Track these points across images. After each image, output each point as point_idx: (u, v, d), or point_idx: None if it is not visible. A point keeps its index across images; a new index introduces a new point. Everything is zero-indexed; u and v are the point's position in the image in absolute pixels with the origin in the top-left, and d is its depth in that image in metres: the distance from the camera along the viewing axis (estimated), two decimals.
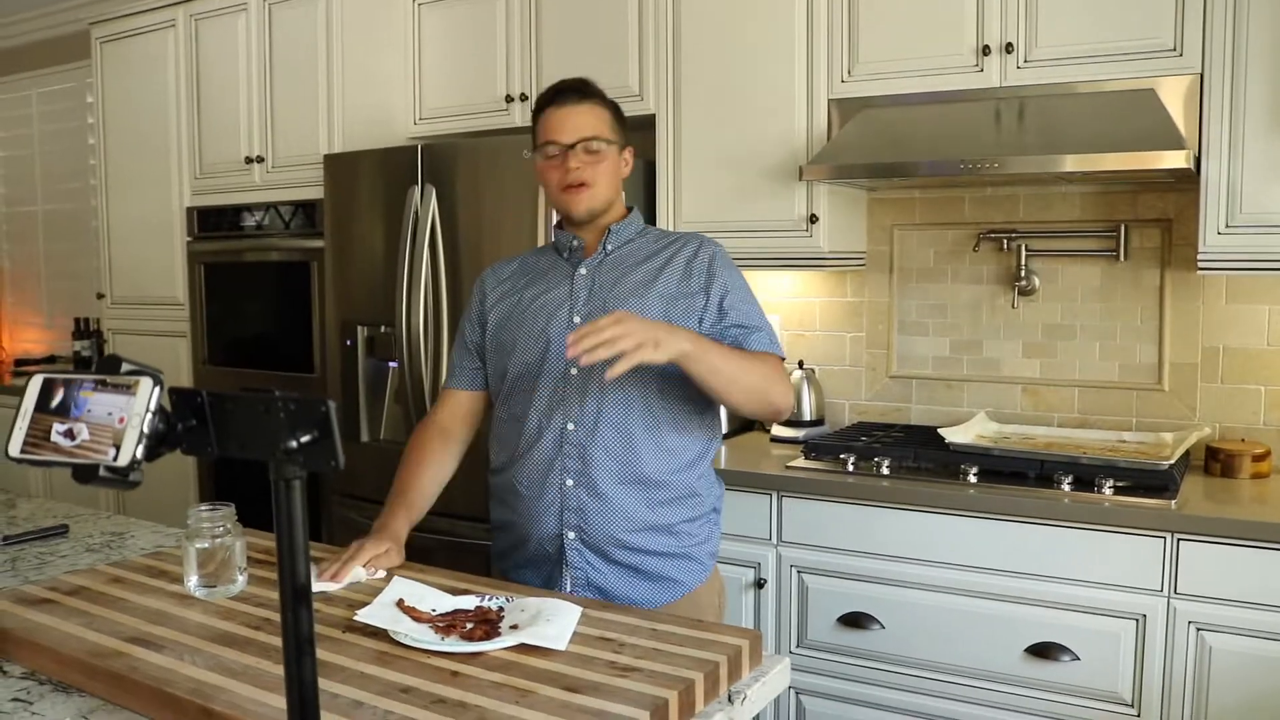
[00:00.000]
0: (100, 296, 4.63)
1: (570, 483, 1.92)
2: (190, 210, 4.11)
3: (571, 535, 1.92)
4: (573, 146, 1.95)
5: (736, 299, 1.96)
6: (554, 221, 2.15)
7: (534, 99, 3.42)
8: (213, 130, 4.07)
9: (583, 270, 2.00)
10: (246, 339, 4.03)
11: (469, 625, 1.47)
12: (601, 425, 1.90)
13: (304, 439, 0.75)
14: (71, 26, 5.34)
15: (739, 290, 1.98)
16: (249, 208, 3.93)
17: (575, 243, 2.03)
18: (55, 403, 0.84)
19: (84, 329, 5.15)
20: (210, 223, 4.06)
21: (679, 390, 1.92)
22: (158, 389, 0.80)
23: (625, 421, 1.91)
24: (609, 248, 2.02)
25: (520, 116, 3.50)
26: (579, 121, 1.96)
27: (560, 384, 1.94)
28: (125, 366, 0.81)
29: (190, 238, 4.12)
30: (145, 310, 4.38)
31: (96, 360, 4.76)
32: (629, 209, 2.09)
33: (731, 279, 1.98)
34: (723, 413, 2.32)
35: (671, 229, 3.14)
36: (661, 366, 1.78)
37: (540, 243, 3.03)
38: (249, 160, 3.92)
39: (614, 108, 2.04)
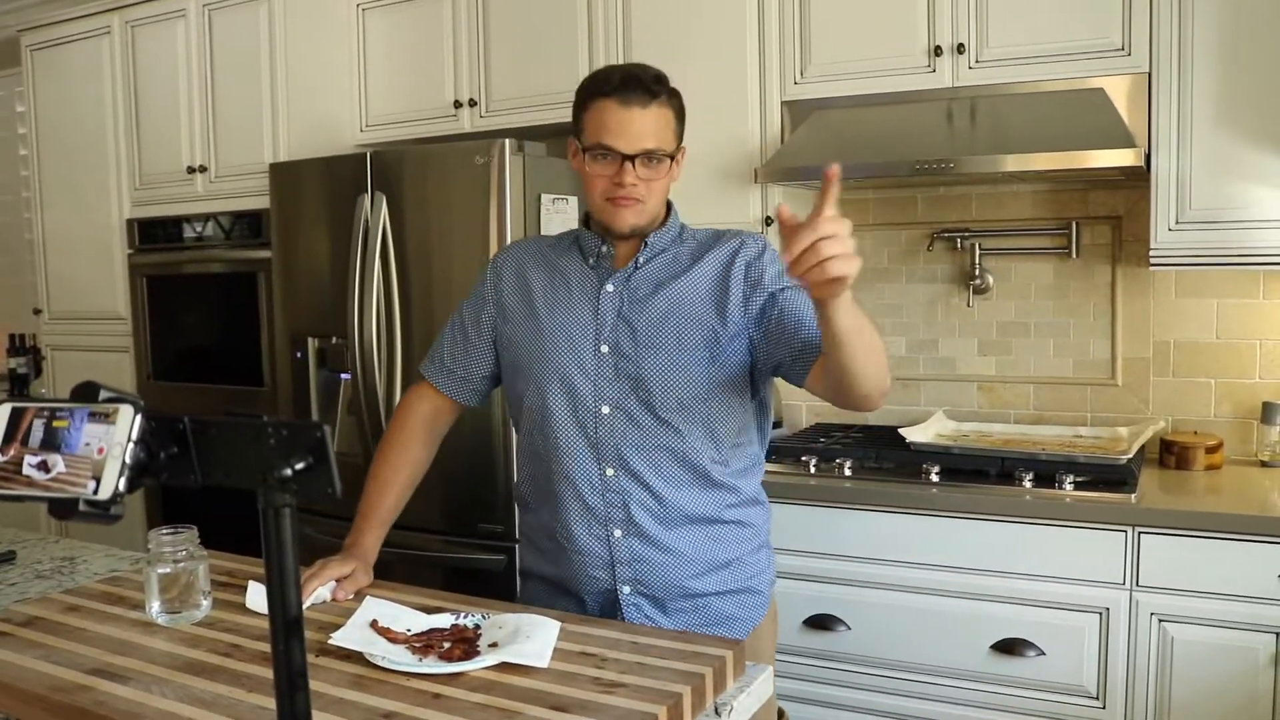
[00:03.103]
0: (37, 312, 4.50)
1: (619, 533, 1.73)
2: (130, 222, 4.01)
3: (627, 590, 1.73)
4: (633, 158, 1.67)
5: (789, 296, 1.67)
6: (580, 216, 1.88)
7: (484, 103, 3.43)
8: (152, 140, 3.98)
9: (610, 287, 1.75)
10: (193, 353, 3.94)
11: (446, 645, 1.44)
12: (647, 466, 1.71)
13: (298, 466, 0.72)
14: None
15: (788, 285, 1.69)
16: (191, 219, 3.84)
17: (605, 249, 1.77)
18: (25, 432, 0.80)
19: (19, 345, 5.00)
20: (151, 234, 3.96)
21: (730, 411, 1.74)
22: (139, 417, 0.76)
23: (673, 458, 1.71)
24: (641, 261, 1.76)
25: (469, 122, 3.46)
26: (645, 128, 1.67)
27: (592, 426, 1.73)
28: (103, 393, 0.77)
29: (131, 250, 4.02)
30: (85, 325, 4.26)
31: (43, 382, 4.60)
32: (668, 207, 1.82)
33: (776, 277, 1.70)
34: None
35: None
36: (717, 382, 1.69)
37: (493, 250, 2.98)
38: (191, 170, 3.83)
39: (679, 104, 1.76)
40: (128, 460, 0.75)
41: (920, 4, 2.78)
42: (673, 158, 1.74)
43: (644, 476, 1.71)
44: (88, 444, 0.77)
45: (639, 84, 1.68)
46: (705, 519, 1.74)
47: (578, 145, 1.75)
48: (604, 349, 1.73)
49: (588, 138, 1.71)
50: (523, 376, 1.81)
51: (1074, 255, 2.98)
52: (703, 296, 1.72)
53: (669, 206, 1.82)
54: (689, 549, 1.73)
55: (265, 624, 0.98)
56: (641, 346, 1.71)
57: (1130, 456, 2.55)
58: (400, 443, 1.90)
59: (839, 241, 1.28)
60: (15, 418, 0.81)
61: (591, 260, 1.78)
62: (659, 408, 1.70)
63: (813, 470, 2.75)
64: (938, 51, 2.76)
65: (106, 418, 0.77)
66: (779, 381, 1.76)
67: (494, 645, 1.42)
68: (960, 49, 2.73)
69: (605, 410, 1.72)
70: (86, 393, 0.78)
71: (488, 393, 1.94)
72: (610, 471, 1.73)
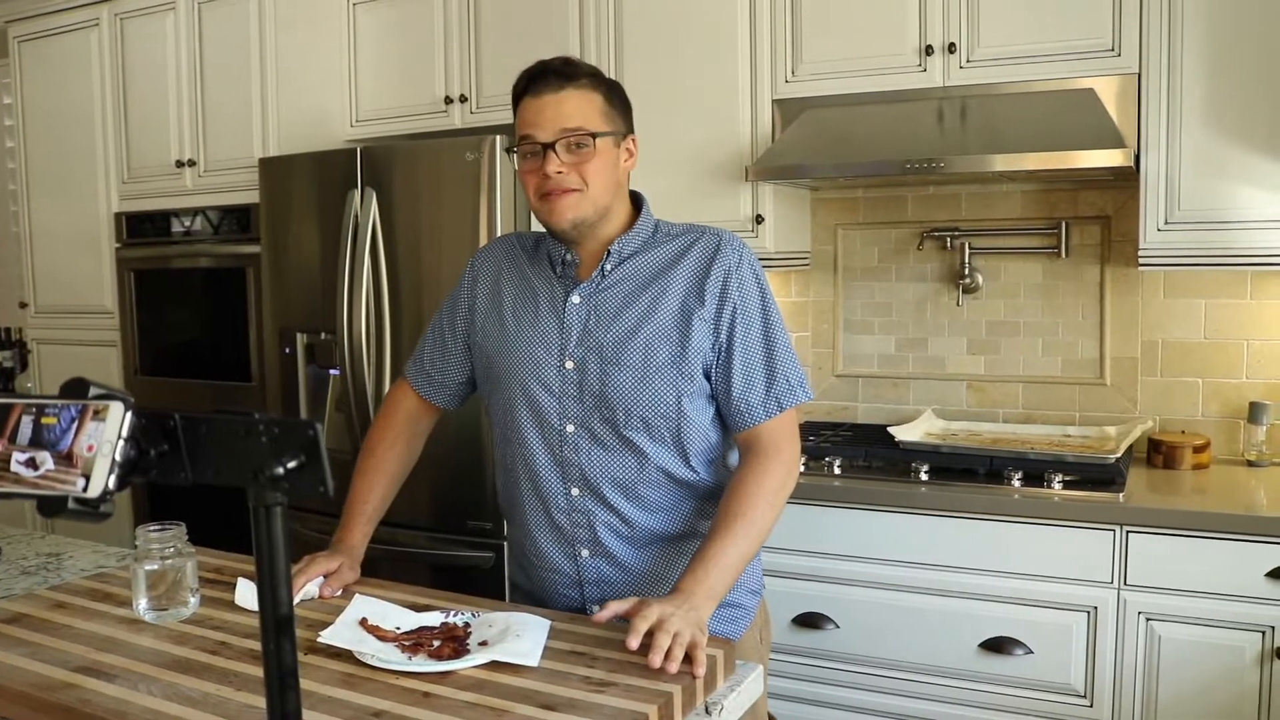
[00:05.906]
0: (23, 306, 4.47)
1: (586, 553, 1.70)
2: (118, 216, 3.99)
3: (597, 609, 1.61)
4: (552, 145, 1.59)
5: (745, 340, 1.65)
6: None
7: (474, 99, 3.42)
8: (141, 133, 3.96)
9: (576, 299, 1.68)
10: (181, 348, 3.92)
11: (436, 643, 1.43)
12: (612, 488, 1.67)
13: (290, 464, 0.72)
14: None
15: (753, 324, 1.66)
16: (180, 213, 3.82)
17: (569, 257, 1.69)
18: (14, 429, 0.79)
19: (5, 339, 4.96)
20: (140, 229, 3.94)
21: (703, 430, 1.69)
22: (129, 414, 0.76)
23: (639, 478, 1.67)
24: (608, 269, 1.68)
25: (460, 118, 3.44)
26: (560, 110, 1.60)
27: (557, 444, 1.68)
28: (93, 390, 0.77)
29: (119, 244, 4.00)
30: (72, 319, 4.24)
31: (22, 374, 4.57)
32: (637, 205, 1.74)
33: (745, 304, 1.66)
34: None
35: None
36: (687, 401, 1.65)
37: (484, 241, 2.97)
38: (180, 164, 3.82)
39: (609, 88, 1.67)
40: (117, 458, 0.74)
41: (911, 3, 2.78)
42: (601, 138, 1.63)
43: (609, 499, 1.67)
44: (77, 441, 0.77)
45: (548, 72, 1.63)
46: (677, 536, 1.71)
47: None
48: (569, 365, 1.67)
49: (516, 137, 1.66)
50: (492, 387, 1.78)
51: (1063, 255, 2.99)
52: (674, 310, 1.65)
53: (638, 205, 1.74)
54: (659, 568, 1.70)
55: (253, 621, 0.98)
56: (607, 363, 1.65)
57: (1118, 456, 2.56)
58: (385, 440, 1.88)
59: (665, 634, 1.34)
60: (3, 414, 0.80)
61: (558, 269, 1.71)
62: (623, 427, 1.65)
63: (801, 469, 2.75)
64: (929, 51, 2.76)
65: (96, 415, 0.76)
66: None
67: (484, 644, 1.41)
68: (951, 48, 2.73)
69: (570, 429, 1.67)
70: (76, 389, 0.78)
71: (466, 397, 1.91)
72: (575, 492, 1.69)
